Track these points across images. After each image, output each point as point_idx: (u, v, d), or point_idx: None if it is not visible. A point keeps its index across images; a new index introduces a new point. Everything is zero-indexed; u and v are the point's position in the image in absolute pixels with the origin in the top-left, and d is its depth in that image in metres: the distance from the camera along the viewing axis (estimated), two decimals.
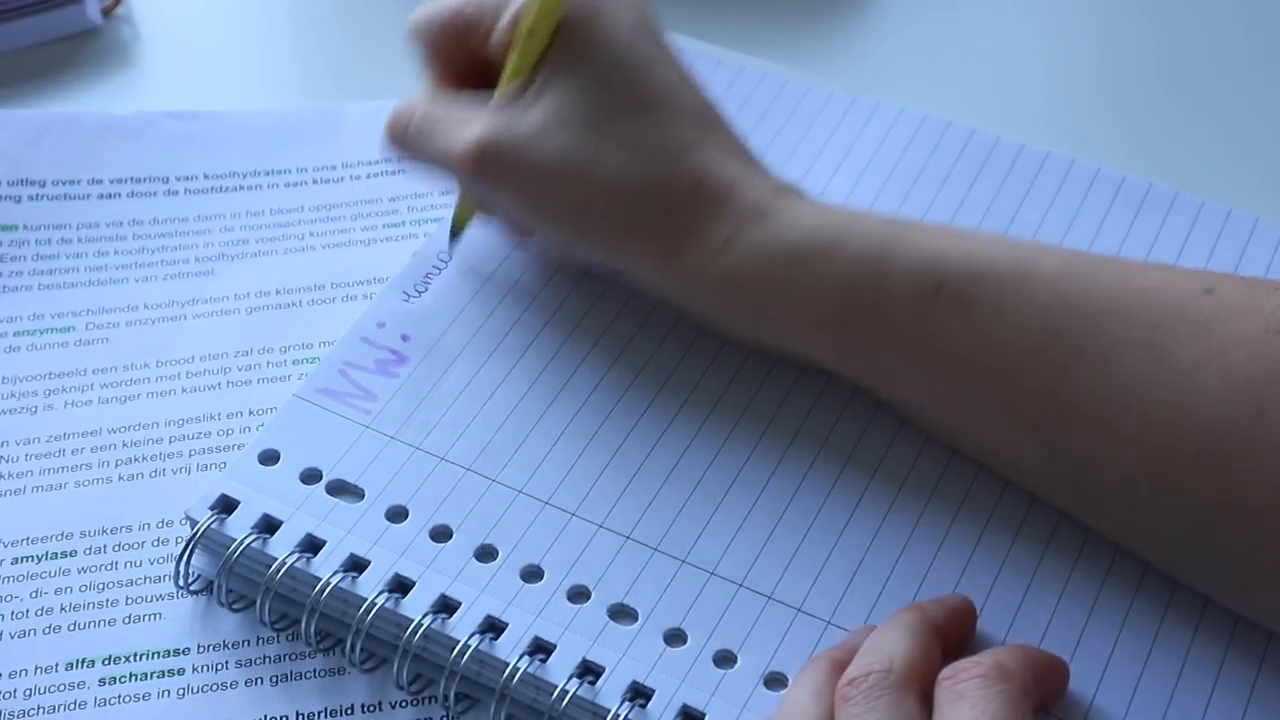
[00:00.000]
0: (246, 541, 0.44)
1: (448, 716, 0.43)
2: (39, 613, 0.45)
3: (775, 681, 0.42)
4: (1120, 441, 0.42)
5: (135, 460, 0.49)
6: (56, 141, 0.59)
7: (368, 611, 0.43)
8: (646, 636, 0.43)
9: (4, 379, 0.52)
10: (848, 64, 0.66)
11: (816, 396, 0.48)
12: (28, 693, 0.44)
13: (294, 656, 0.44)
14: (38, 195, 0.58)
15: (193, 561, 0.45)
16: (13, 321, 0.54)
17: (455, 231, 0.53)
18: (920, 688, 0.39)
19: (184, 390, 0.51)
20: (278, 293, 0.55)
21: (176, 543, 0.47)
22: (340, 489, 0.46)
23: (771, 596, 0.44)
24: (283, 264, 0.56)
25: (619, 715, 0.41)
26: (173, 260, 0.56)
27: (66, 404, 0.51)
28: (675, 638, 0.43)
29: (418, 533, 0.45)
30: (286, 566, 0.44)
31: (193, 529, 0.45)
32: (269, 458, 0.47)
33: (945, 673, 0.39)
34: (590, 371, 0.49)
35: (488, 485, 0.46)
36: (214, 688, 0.44)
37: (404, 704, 0.43)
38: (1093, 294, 0.43)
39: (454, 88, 0.50)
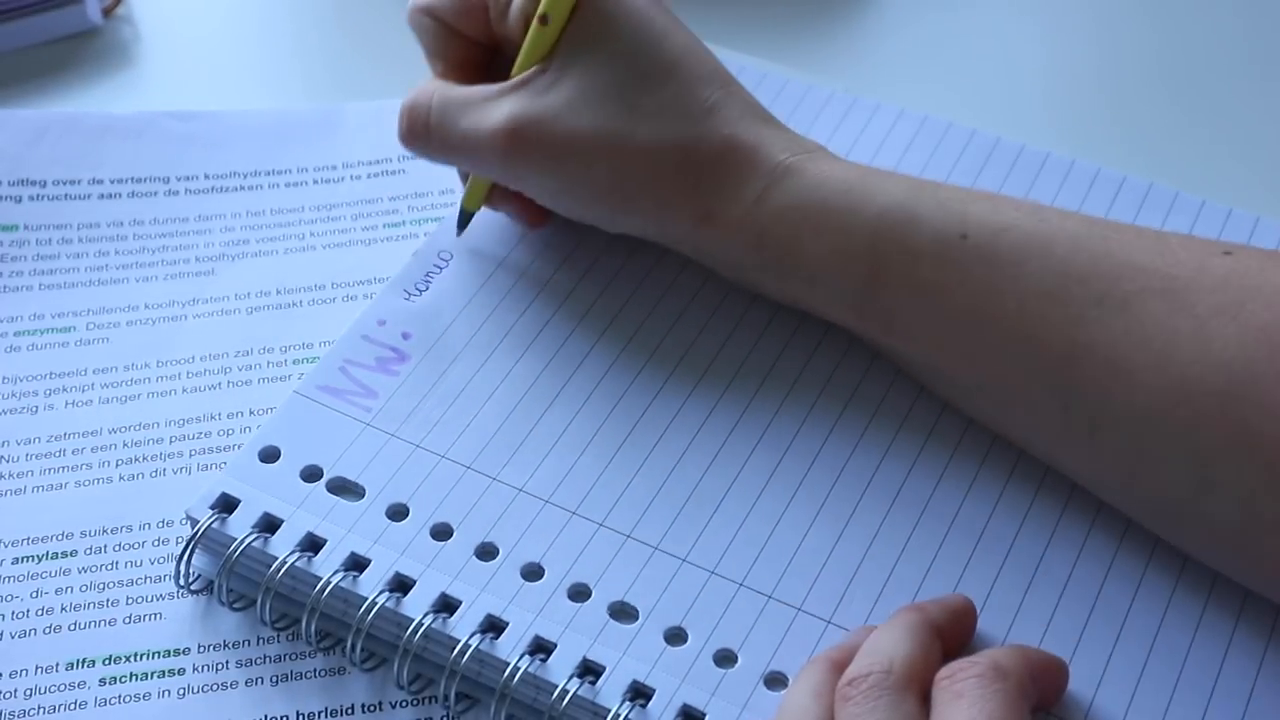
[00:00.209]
0: (247, 541, 0.44)
1: (448, 716, 0.43)
2: (39, 612, 0.45)
3: (775, 681, 0.42)
4: (1135, 380, 0.42)
5: (136, 460, 0.49)
6: (57, 141, 0.59)
7: (368, 611, 0.43)
8: (647, 636, 0.43)
9: (5, 379, 0.52)
10: (848, 64, 0.66)
11: (817, 396, 0.48)
12: (28, 692, 0.44)
13: (294, 656, 0.44)
14: (38, 195, 0.58)
15: (193, 561, 0.45)
16: (13, 321, 0.54)
17: (463, 220, 0.53)
18: (920, 688, 0.39)
19: (184, 390, 0.51)
20: (278, 292, 0.55)
21: (177, 542, 0.47)
22: (341, 487, 0.46)
23: (772, 596, 0.44)
24: (283, 264, 0.56)
25: (619, 715, 0.41)
26: (173, 260, 0.56)
27: (67, 404, 0.51)
28: (676, 637, 0.43)
29: (418, 531, 0.45)
30: (287, 566, 0.44)
31: (193, 528, 0.45)
32: (269, 455, 0.47)
33: (943, 673, 0.39)
34: (591, 370, 0.49)
35: (488, 484, 0.46)
36: (214, 687, 0.44)
37: (404, 704, 0.43)
38: (1114, 248, 0.44)
39: (462, 74, 0.50)
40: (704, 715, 0.41)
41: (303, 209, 0.58)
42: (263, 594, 0.44)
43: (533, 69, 0.48)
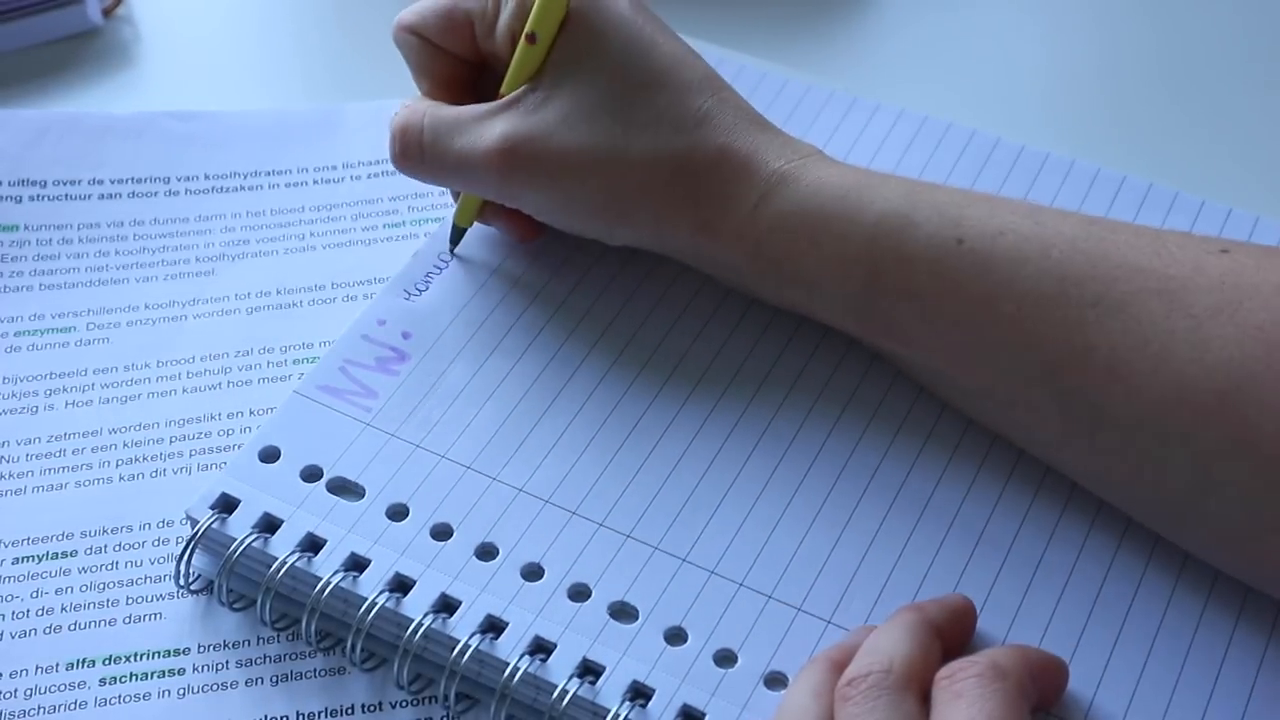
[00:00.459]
0: (247, 541, 0.44)
1: (448, 716, 0.43)
2: (40, 612, 0.45)
3: (775, 681, 0.42)
4: (1133, 383, 0.42)
5: (136, 460, 0.49)
6: (57, 142, 0.59)
7: (368, 611, 0.43)
8: (647, 636, 0.43)
9: (5, 379, 0.52)
10: (848, 64, 0.66)
11: (816, 396, 0.49)
12: (28, 692, 0.44)
13: (294, 656, 0.44)
14: (39, 195, 0.58)
15: (193, 561, 0.45)
16: (13, 321, 0.54)
17: (456, 237, 0.53)
18: (919, 688, 0.39)
19: (184, 390, 0.51)
20: (278, 293, 0.55)
21: (177, 542, 0.47)
22: (341, 487, 0.46)
23: (772, 596, 0.44)
24: (283, 264, 0.56)
25: (619, 715, 0.41)
26: (173, 260, 0.56)
27: (67, 404, 0.51)
28: (676, 637, 0.43)
29: (418, 531, 0.45)
30: (287, 566, 0.44)
31: (193, 528, 0.45)
32: (269, 455, 0.47)
33: (943, 672, 0.39)
34: (591, 370, 0.49)
35: (488, 484, 0.46)
36: (214, 687, 0.44)
37: (404, 704, 0.43)
38: (1111, 250, 0.44)
39: (449, 91, 0.50)
40: (704, 715, 0.41)
41: (303, 209, 0.58)
42: (263, 594, 0.44)
43: (523, 87, 0.48)
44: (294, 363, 0.52)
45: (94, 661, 0.44)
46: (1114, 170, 0.55)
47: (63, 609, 0.45)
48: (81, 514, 0.48)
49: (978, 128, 0.57)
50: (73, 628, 0.45)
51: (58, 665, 0.44)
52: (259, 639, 0.45)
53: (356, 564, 0.44)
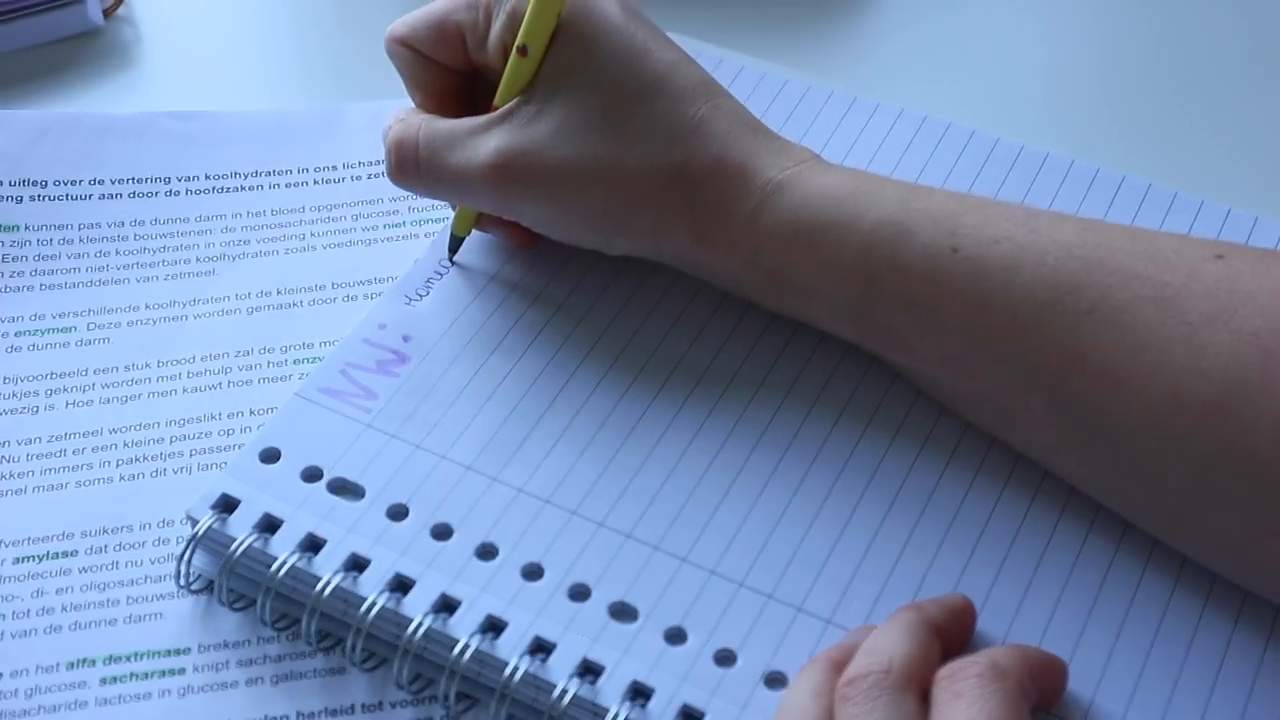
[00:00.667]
0: (247, 541, 0.44)
1: (448, 716, 0.43)
2: (40, 612, 0.45)
3: (775, 681, 0.42)
4: (1128, 391, 0.42)
5: (136, 460, 0.49)
6: (58, 142, 0.59)
7: (368, 611, 0.43)
8: (647, 635, 0.43)
9: (5, 379, 0.52)
10: (848, 64, 0.66)
11: (816, 397, 0.49)
12: (29, 692, 0.44)
13: (295, 656, 0.44)
14: (39, 195, 0.58)
15: (193, 561, 0.45)
16: (14, 321, 0.54)
17: (454, 245, 0.53)
18: (919, 688, 0.39)
19: (185, 390, 0.51)
20: (279, 293, 0.55)
21: (177, 542, 0.47)
22: (341, 488, 0.46)
23: (772, 596, 0.44)
24: (283, 264, 0.56)
25: (619, 715, 0.41)
26: (174, 260, 0.56)
27: (68, 404, 0.51)
28: (676, 637, 0.43)
29: (418, 531, 0.45)
30: (287, 566, 0.44)
31: (193, 528, 0.45)
32: (270, 456, 0.47)
33: (942, 672, 0.39)
34: (590, 371, 0.49)
35: (488, 484, 0.46)
36: (215, 687, 0.44)
37: (404, 704, 0.43)
38: (1106, 257, 0.43)
39: (442, 103, 0.50)
40: (704, 715, 0.41)
41: (303, 209, 0.58)
42: (263, 594, 0.44)
43: (517, 99, 0.48)
44: (294, 363, 0.52)
45: (94, 661, 0.44)
46: (1113, 170, 0.55)
47: (63, 609, 0.45)
48: (82, 514, 0.48)
49: (978, 128, 0.57)
50: (73, 627, 0.45)
51: (58, 665, 0.44)
52: (259, 639, 0.45)
53: (357, 564, 0.44)
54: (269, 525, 0.45)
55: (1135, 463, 0.43)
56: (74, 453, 0.50)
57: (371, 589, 0.43)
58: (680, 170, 0.47)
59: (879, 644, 0.39)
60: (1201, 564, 0.44)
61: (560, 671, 0.42)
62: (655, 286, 0.52)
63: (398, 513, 0.45)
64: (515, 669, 0.42)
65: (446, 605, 0.43)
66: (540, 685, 0.42)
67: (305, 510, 0.45)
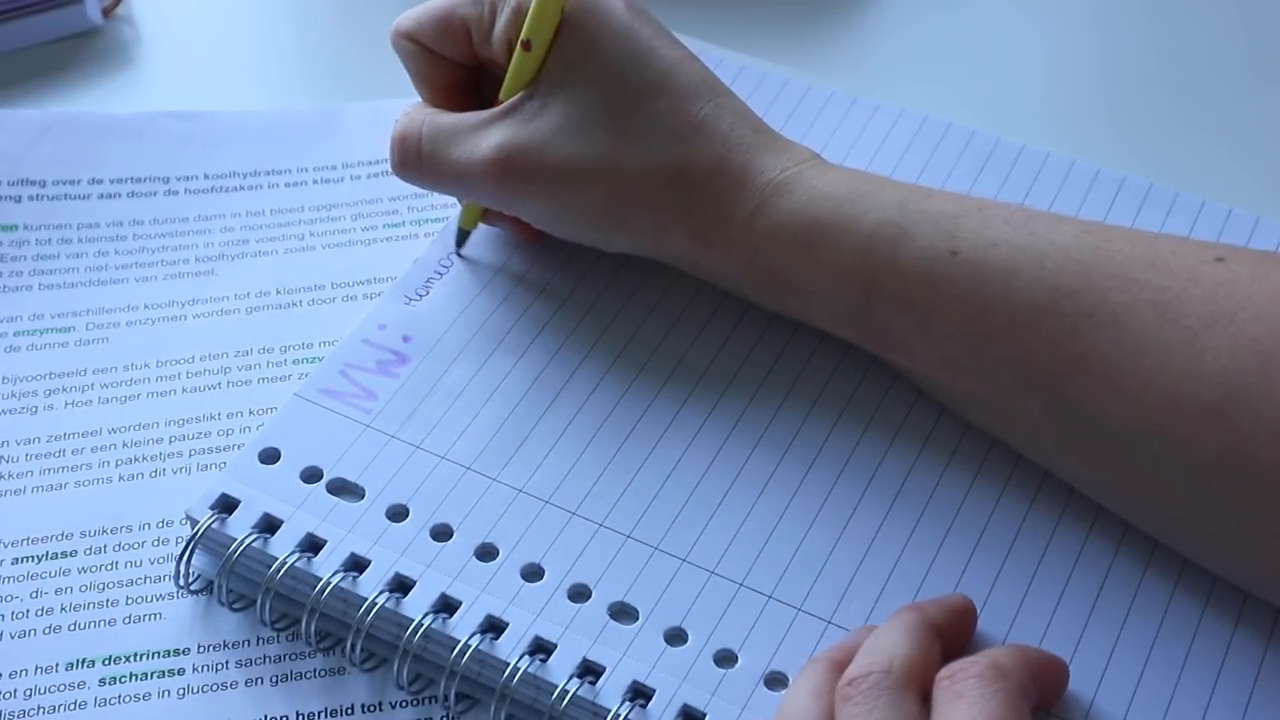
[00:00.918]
0: (247, 541, 0.44)
1: (448, 716, 0.43)
2: (39, 613, 0.45)
3: (775, 681, 0.42)
4: (1127, 395, 0.42)
5: (135, 460, 0.49)
6: (57, 141, 0.59)
7: (368, 611, 0.43)
8: (647, 636, 0.43)
9: (4, 379, 0.52)
10: (848, 64, 0.66)
11: (816, 397, 0.49)
12: (28, 693, 0.44)
13: (294, 656, 0.44)
14: (38, 195, 0.58)
15: (193, 561, 0.45)
16: (13, 321, 0.54)
17: (461, 239, 0.53)
18: (920, 688, 0.39)
19: (184, 390, 0.51)
20: (278, 293, 0.55)
21: (177, 542, 0.47)
22: (341, 488, 0.46)
23: (772, 596, 0.44)
24: (283, 264, 0.56)
25: (619, 715, 0.41)
26: (173, 260, 0.56)
27: (67, 404, 0.51)
28: (676, 637, 0.43)
29: (418, 532, 0.45)
30: (287, 566, 0.44)
31: (193, 529, 0.45)
32: (269, 456, 0.47)
33: (943, 673, 0.39)
34: (590, 371, 0.49)
35: (488, 484, 0.46)
36: (214, 688, 0.44)
37: (404, 704, 0.43)
38: (1105, 259, 0.43)
39: (449, 97, 0.50)
40: (704, 715, 0.41)
41: (303, 209, 0.58)
42: (263, 594, 0.44)
43: (520, 94, 0.48)
44: (294, 363, 0.52)
45: (94, 661, 0.44)
46: (1114, 170, 0.55)
47: (62, 609, 0.45)
48: (81, 514, 0.48)
49: (978, 128, 0.57)
50: (72, 628, 0.45)
51: (57, 665, 0.44)
52: (259, 639, 0.45)
53: (356, 564, 0.44)
54: (269, 525, 0.45)
55: (1133, 466, 0.43)
56: (73, 453, 0.50)
57: (371, 589, 0.43)
58: (681, 169, 0.47)
59: (880, 644, 0.39)
60: (1201, 565, 0.44)
61: (560, 672, 0.42)
62: (656, 286, 0.51)
63: (398, 513, 0.45)
64: (515, 669, 0.42)
65: (446, 606, 0.43)
66: (540, 686, 0.42)
67: (305, 510, 0.45)
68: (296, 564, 0.44)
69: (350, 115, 0.61)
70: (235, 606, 0.45)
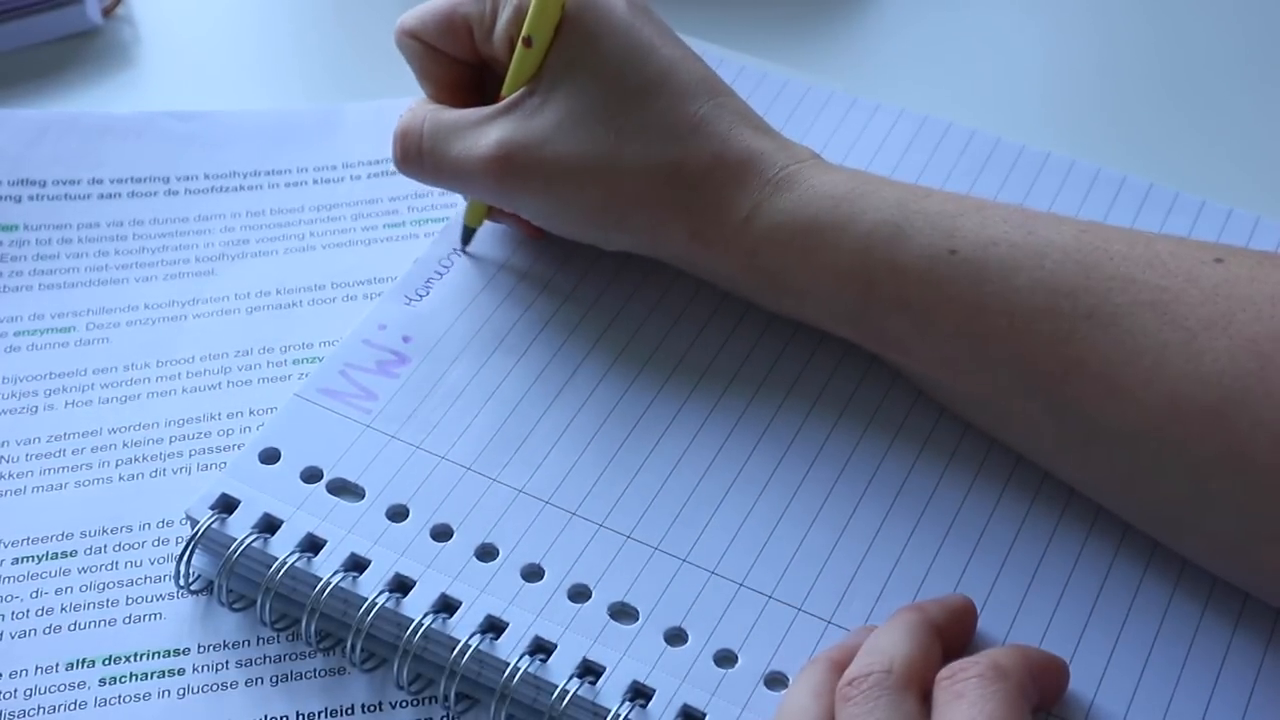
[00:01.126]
0: (247, 541, 0.44)
1: (448, 716, 0.43)
2: (39, 613, 0.45)
3: (776, 681, 0.42)
4: (1126, 396, 0.42)
5: (135, 460, 0.49)
6: (57, 141, 0.59)
7: (368, 611, 0.43)
8: (647, 636, 0.43)
9: (4, 379, 0.52)
10: (848, 64, 0.66)
11: (817, 397, 0.48)
12: (28, 693, 0.44)
13: (294, 656, 0.44)
14: (38, 195, 0.58)
15: (193, 561, 0.45)
16: (13, 321, 0.54)
17: (466, 236, 0.53)
18: (920, 688, 0.39)
19: (184, 390, 0.51)
20: (278, 293, 0.55)
21: (177, 542, 0.47)
22: (341, 488, 0.46)
23: (772, 596, 0.44)
24: (283, 264, 0.56)
25: (619, 715, 0.41)
26: (173, 260, 0.56)
27: (67, 404, 0.51)
28: (676, 637, 0.43)
29: (418, 532, 0.45)
30: (287, 566, 0.44)
31: (193, 529, 0.45)
32: (269, 456, 0.47)
33: (944, 673, 0.39)
34: (590, 372, 0.49)
35: (488, 484, 0.46)
36: (214, 688, 0.44)
37: (404, 704, 0.43)
38: (1103, 260, 0.43)
39: (452, 94, 0.50)
40: (704, 715, 0.41)
41: (303, 209, 0.58)
42: (263, 594, 0.44)
43: (521, 90, 0.48)
44: (294, 363, 0.52)
45: (94, 661, 0.44)
46: (1114, 170, 0.55)
47: (62, 609, 0.45)
48: (81, 514, 0.48)
49: (978, 128, 0.57)
50: (72, 628, 0.45)
51: (57, 665, 0.44)
52: (259, 639, 0.45)
53: (356, 564, 0.44)
54: (269, 526, 0.45)
55: (1132, 467, 0.43)
56: (73, 453, 0.50)
57: (371, 589, 0.43)
58: (679, 168, 0.47)
59: (880, 644, 0.39)
60: (1201, 566, 0.44)
61: (560, 672, 0.42)
62: (656, 286, 0.51)
63: (398, 513, 0.45)
64: (515, 669, 0.42)
65: (446, 606, 0.43)
66: (540, 686, 0.42)
67: (305, 511, 0.45)
68: (296, 564, 0.44)
69: (350, 115, 0.61)
70: (235, 606, 0.45)
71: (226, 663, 0.44)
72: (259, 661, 0.44)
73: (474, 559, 0.44)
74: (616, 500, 0.46)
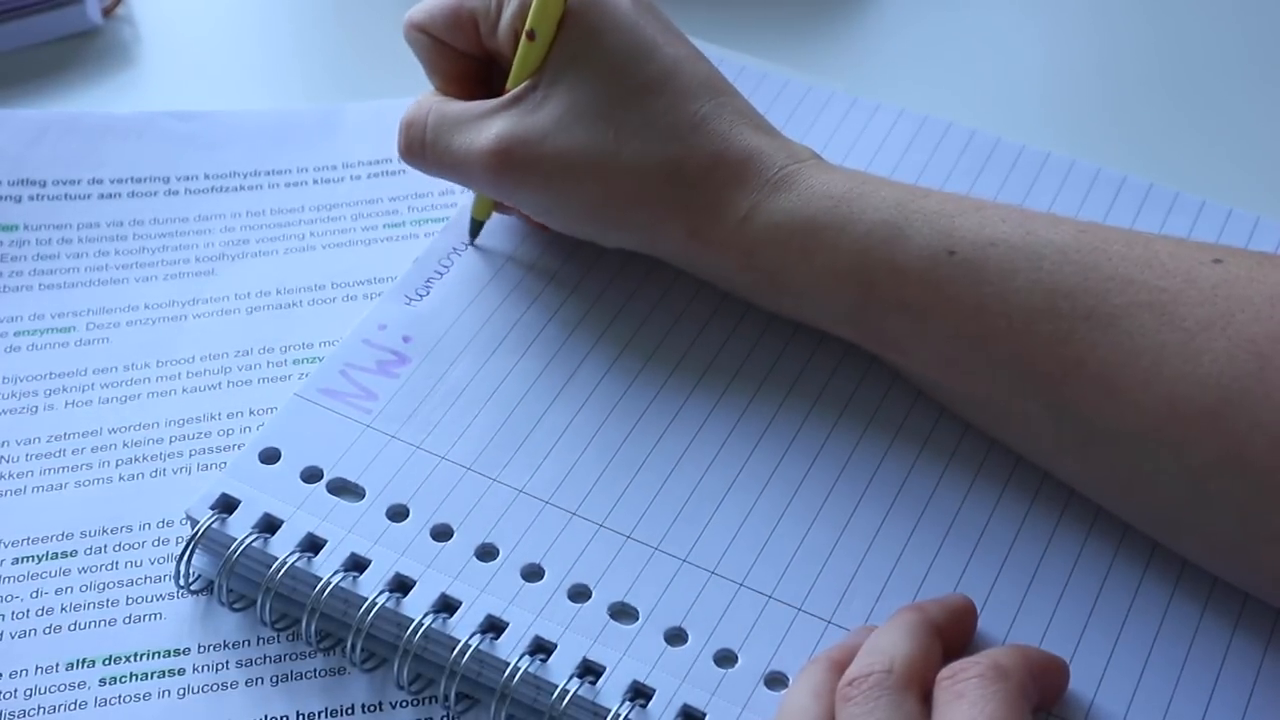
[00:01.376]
0: (247, 541, 0.44)
1: (448, 716, 0.43)
2: (39, 613, 0.45)
3: (776, 681, 0.42)
4: (1125, 398, 0.42)
5: (135, 460, 0.49)
6: (57, 141, 0.59)
7: (368, 611, 0.43)
8: (647, 636, 0.43)
9: (4, 379, 0.52)
10: (848, 64, 0.66)
11: (817, 397, 0.48)
12: (28, 693, 0.44)
13: (294, 656, 0.44)
14: (38, 195, 0.58)
15: (193, 561, 0.45)
16: (13, 321, 0.54)
17: (474, 229, 0.53)
18: (920, 688, 0.39)
19: (184, 390, 0.51)
20: (278, 292, 0.55)
21: (177, 542, 0.47)
22: (341, 488, 0.46)
23: (772, 596, 0.44)
24: (283, 264, 0.56)
25: (619, 715, 0.41)
26: (173, 260, 0.56)
27: (67, 404, 0.51)
28: (676, 637, 0.43)
29: (418, 532, 0.45)
30: (287, 566, 0.44)
31: (193, 529, 0.45)
32: (270, 456, 0.47)
33: (944, 673, 0.39)
34: (590, 372, 0.49)
35: (488, 484, 0.46)
36: (214, 688, 0.44)
37: (404, 704, 0.43)
38: (1102, 261, 0.43)
39: (459, 86, 0.51)
40: (704, 715, 0.41)
41: (303, 209, 0.58)
42: (263, 594, 0.44)
43: (524, 84, 0.48)
44: (294, 363, 0.52)
45: (94, 661, 0.44)
46: (1114, 170, 0.55)
47: (63, 609, 0.45)
48: (81, 514, 0.48)
49: (978, 128, 0.57)
50: (73, 628, 0.45)
51: (58, 665, 0.44)
52: (259, 639, 0.45)
53: (357, 564, 0.44)
54: (269, 525, 0.45)
55: (1131, 468, 0.43)
56: (73, 453, 0.50)
57: (371, 589, 0.43)
58: (678, 167, 0.47)
59: (880, 644, 0.39)
60: (1200, 566, 0.44)
61: (560, 672, 0.42)
62: (656, 285, 0.51)
63: (398, 513, 0.45)
64: (515, 669, 0.42)
65: (446, 605, 0.43)
66: (540, 686, 0.42)
67: (305, 510, 0.45)
68: (296, 564, 0.44)
69: (350, 115, 0.61)
70: (235, 606, 0.45)
71: (227, 663, 0.44)
72: (259, 661, 0.44)
73: (474, 559, 0.44)
74: (616, 500, 0.46)
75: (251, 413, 0.50)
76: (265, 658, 0.44)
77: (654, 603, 0.43)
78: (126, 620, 0.45)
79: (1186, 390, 0.41)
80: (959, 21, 0.69)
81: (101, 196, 0.58)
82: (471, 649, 0.42)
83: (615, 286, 0.52)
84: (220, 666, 0.44)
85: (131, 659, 0.44)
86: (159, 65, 0.66)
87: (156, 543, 0.47)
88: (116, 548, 0.47)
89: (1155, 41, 0.68)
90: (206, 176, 0.59)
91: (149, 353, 0.53)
